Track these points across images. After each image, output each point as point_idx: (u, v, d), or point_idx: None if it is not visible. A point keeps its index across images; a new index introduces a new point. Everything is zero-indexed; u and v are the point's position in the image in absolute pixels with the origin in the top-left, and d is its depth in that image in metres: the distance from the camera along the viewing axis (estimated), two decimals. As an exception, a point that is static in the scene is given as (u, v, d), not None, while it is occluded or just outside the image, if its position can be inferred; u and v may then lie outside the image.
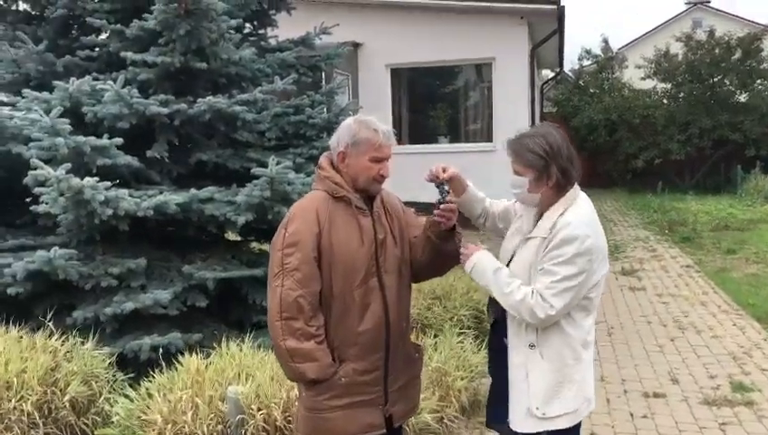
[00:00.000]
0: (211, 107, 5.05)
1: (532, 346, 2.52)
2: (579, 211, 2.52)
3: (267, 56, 6.30)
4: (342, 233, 2.48)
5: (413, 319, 4.83)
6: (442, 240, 2.60)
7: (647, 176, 19.62)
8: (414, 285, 2.84)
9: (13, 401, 3.84)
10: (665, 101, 20.40)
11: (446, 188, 2.62)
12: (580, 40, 48.29)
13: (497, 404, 2.73)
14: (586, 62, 22.80)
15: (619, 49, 25.32)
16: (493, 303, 2.79)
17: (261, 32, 6.84)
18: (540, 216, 2.59)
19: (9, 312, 4.72)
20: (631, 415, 4.71)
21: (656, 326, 6.80)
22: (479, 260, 2.60)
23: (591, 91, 21.07)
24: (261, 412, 3.63)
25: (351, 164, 2.53)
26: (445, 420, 4.20)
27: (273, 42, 6.87)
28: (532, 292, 2.44)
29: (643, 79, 20.63)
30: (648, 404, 4.88)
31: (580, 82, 21.77)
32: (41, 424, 3.88)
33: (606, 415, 4.69)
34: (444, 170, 2.67)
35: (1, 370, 3.96)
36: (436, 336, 5.10)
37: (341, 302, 2.48)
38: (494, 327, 2.82)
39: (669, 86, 20.31)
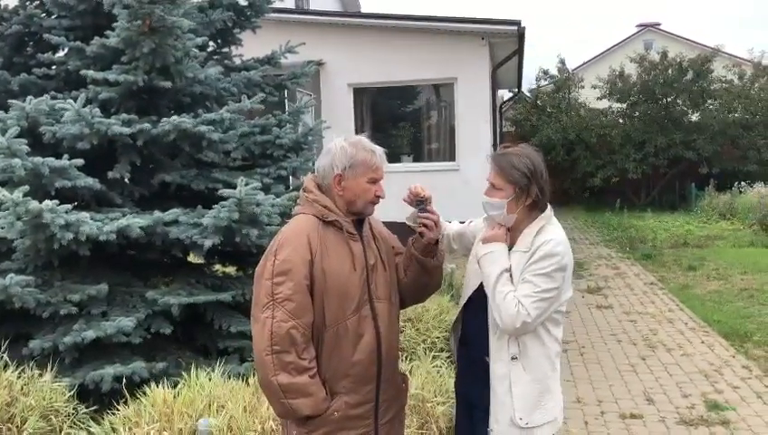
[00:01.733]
0: (176, 126, 4.86)
1: (514, 358, 2.56)
2: (557, 231, 2.63)
3: (232, 75, 6.14)
4: (335, 259, 2.35)
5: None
6: (426, 255, 2.54)
7: (603, 194, 19.96)
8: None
9: (-35, 440, 3.62)
10: (620, 120, 20.80)
11: (427, 205, 2.58)
12: (536, 60, 49.09)
13: (467, 417, 2.79)
14: (543, 83, 23.09)
15: (575, 69, 25.75)
16: (456, 325, 2.88)
17: (225, 50, 6.68)
18: (518, 232, 2.63)
19: (-40, 343, 4.45)
20: (610, 437, 4.66)
21: (626, 345, 6.79)
22: (498, 251, 2.58)
23: (549, 110, 21.32)
24: (235, 446, 3.47)
25: (349, 187, 2.42)
26: (424, 448, 4.07)
27: (237, 60, 6.72)
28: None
29: (599, 99, 21.02)
30: (626, 426, 4.83)
31: (538, 102, 22.02)
32: (-3, 464, 3.66)
33: (585, 438, 4.63)
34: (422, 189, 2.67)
35: (-48, 407, 3.73)
36: (408, 359, 4.98)
37: (334, 332, 2.35)
38: (463, 343, 2.83)
39: (624, 106, 20.73)
